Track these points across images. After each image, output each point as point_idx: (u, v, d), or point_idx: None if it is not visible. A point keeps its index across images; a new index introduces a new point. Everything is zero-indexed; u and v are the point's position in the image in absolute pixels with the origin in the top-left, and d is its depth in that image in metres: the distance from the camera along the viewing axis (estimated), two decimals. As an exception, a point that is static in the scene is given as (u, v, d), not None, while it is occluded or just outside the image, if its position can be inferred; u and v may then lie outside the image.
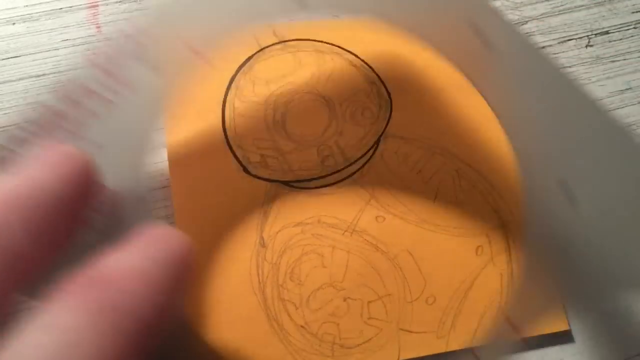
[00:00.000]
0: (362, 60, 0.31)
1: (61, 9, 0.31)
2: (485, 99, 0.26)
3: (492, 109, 0.26)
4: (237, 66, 0.31)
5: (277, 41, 0.31)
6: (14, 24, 0.31)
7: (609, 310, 0.31)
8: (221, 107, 0.30)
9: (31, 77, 0.30)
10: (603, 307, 0.31)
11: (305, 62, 0.31)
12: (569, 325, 0.30)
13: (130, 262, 0.19)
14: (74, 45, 0.31)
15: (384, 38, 0.32)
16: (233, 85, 0.30)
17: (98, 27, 0.31)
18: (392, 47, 0.32)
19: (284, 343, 0.27)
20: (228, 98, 0.30)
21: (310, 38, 0.32)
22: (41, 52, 0.30)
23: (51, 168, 0.19)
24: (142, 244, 0.20)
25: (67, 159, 0.20)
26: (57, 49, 0.31)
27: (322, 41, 0.32)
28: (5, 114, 0.29)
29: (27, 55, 0.30)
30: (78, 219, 0.20)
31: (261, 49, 0.31)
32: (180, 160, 0.29)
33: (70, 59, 0.31)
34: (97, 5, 0.31)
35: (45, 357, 0.16)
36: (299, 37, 0.32)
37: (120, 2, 0.32)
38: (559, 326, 0.30)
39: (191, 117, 0.30)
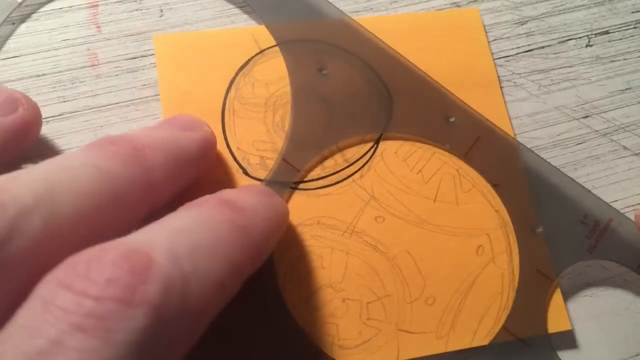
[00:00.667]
0: (362, 60, 0.31)
1: (61, 8, 0.31)
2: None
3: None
4: (237, 68, 0.31)
5: (276, 43, 0.31)
6: (13, 23, 0.31)
7: (609, 310, 0.31)
8: (221, 109, 0.30)
9: (31, 77, 0.30)
10: (603, 307, 0.31)
11: (305, 63, 0.31)
12: (570, 324, 0.30)
13: (250, 200, 0.23)
14: (74, 45, 0.31)
15: (386, 37, 0.32)
16: (233, 87, 0.30)
17: (98, 27, 0.31)
18: (395, 46, 0.32)
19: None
20: (227, 100, 0.30)
21: (309, 38, 0.31)
22: (41, 52, 0.30)
23: (190, 137, 0.26)
24: (256, 191, 0.25)
25: (206, 137, 0.26)
26: (57, 49, 0.31)
27: (320, 41, 0.31)
28: (5, 114, 0.29)
29: (27, 55, 0.30)
30: (194, 175, 0.26)
31: (261, 51, 0.31)
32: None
33: (70, 59, 0.31)
34: (97, 5, 0.31)
35: (193, 246, 0.19)
36: (298, 38, 0.31)
37: (120, 2, 0.32)
38: (561, 326, 0.30)
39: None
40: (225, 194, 0.23)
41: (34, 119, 0.27)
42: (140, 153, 0.23)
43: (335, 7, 0.32)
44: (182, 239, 0.19)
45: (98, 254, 0.18)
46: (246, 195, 0.24)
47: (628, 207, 0.32)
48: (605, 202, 0.31)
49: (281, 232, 0.26)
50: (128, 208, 0.22)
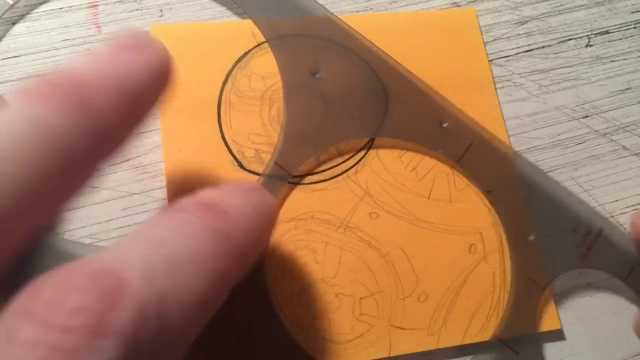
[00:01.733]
0: (359, 57, 0.31)
1: (61, 8, 0.31)
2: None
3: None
4: (234, 61, 0.31)
5: (274, 36, 0.31)
6: (13, 23, 0.31)
7: (609, 311, 0.31)
8: (217, 101, 0.30)
9: (31, 77, 0.30)
10: (603, 308, 0.31)
11: (302, 58, 0.31)
12: (560, 324, 0.30)
13: (234, 201, 0.21)
14: (73, 45, 0.31)
15: (382, 34, 0.32)
16: (229, 80, 0.30)
17: (98, 27, 0.31)
18: (390, 44, 0.32)
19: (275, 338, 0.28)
20: (224, 92, 0.30)
21: (307, 33, 0.32)
22: (41, 52, 0.31)
23: (141, 59, 0.21)
24: (242, 189, 0.23)
25: (158, 55, 0.21)
26: (57, 49, 0.31)
27: (318, 36, 0.32)
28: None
29: (27, 55, 0.31)
30: (152, 107, 0.22)
31: (258, 44, 0.31)
32: (175, 154, 0.29)
33: (70, 59, 0.31)
34: (97, 5, 0.32)
35: (170, 260, 0.18)
36: (296, 33, 0.32)
37: (120, 2, 0.32)
38: (550, 325, 0.30)
39: (187, 111, 0.30)
40: (207, 195, 0.21)
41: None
42: (83, 90, 0.19)
43: (324, 7, 0.32)
44: (159, 253, 0.18)
45: (63, 277, 0.16)
46: (230, 195, 0.22)
47: (628, 207, 0.32)
48: (596, 212, 0.31)
49: (271, 231, 0.25)
50: (80, 162, 0.19)
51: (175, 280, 0.18)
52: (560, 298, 0.30)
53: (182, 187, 0.28)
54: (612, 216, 0.32)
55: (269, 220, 0.24)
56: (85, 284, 0.16)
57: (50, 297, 0.16)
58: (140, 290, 0.17)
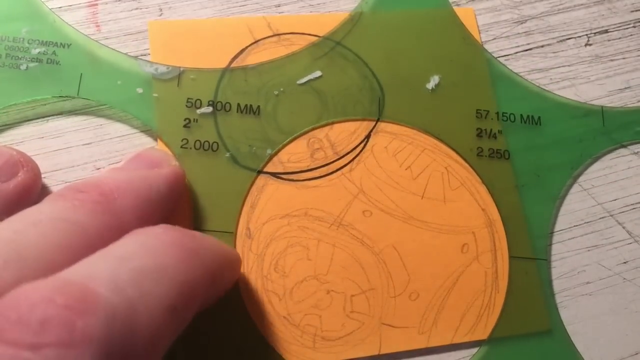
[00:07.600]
0: (356, 54, 0.32)
1: (61, 7, 0.32)
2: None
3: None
4: (231, 57, 0.31)
5: (271, 34, 0.32)
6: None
7: (608, 310, 0.30)
8: (213, 97, 0.30)
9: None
10: (602, 307, 0.31)
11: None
12: (549, 324, 0.29)
13: (199, 233, 0.23)
14: (74, 44, 0.31)
15: (379, 32, 0.32)
16: (226, 76, 0.31)
17: (97, 26, 0.32)
18: (389, 42, 0.32)
19: (266, 333, 0.28)
20: (220, 88, 0.30)
21: (305, 32, 0.32)
22: (41, 50, 0.31)
23: (160, 174, 0.26)
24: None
25: (175, 172, 0.26)
26: (58, 48, 0.31)
27: (316, 35, 0.32)
28: (5, 113, 0.30)
29: (27, 54, 0.31)
30: (167, 211, 0.26)
31: (255, 41, 0.32)
32: (171, 150, 0.29)
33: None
34: (97, 5, 0.32)
35: (137, 271, 0.19)
36: (293, 31, 0.32)
37: (119, 0, 0.32)
38: (539, 326, 0.30)
39: (183, 107, 0.30)
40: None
41: (35, 181, 0.26)
42: (109, 198, 0.22)
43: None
44: (125, 265, 0.18)
45: (28, 292, 0.16)
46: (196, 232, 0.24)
47: (627, 206, 0.32)
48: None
49: (235, 273, 0.26)
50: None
51: (143, 287, 0.18)
52: (559, 297, 0.30)
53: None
54: (612, 215, 0.32)
55: (231, 264, 0.25)
56: (50, 295, 0.16)
57: (16, 313, 0.16)
58: (106, 296, 0.17)
